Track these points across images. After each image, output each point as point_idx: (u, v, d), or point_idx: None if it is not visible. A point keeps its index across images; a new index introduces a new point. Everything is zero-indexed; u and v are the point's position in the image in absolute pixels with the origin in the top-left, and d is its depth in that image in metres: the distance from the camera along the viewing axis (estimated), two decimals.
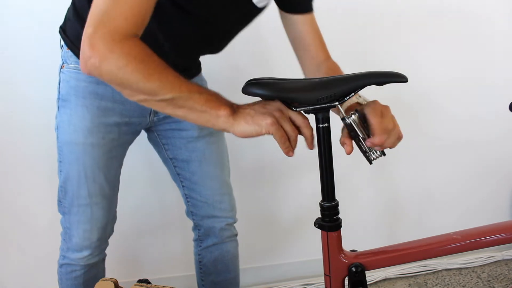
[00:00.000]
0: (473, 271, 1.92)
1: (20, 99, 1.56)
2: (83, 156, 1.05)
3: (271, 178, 1.79)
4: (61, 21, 1.09)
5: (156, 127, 1.18)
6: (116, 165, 1.12)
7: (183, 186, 1.25)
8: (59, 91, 1.07)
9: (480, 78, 1.90)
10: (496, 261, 1.97)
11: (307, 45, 1.09)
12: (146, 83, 0.74)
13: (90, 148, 1.05)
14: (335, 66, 1.08)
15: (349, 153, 0.82)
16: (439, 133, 1.91)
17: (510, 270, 1.91)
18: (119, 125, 1.08)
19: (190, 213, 1.29)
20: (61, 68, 1.07)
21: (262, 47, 1.66)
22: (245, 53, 1.63)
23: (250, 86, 0.79)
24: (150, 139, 1.25)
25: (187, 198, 1.26)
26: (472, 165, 1.97)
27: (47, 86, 1.55)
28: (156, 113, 1.14)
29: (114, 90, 0.92)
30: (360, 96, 0.90)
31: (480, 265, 1.95)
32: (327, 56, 1.10)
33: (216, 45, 1.10)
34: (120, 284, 1.01)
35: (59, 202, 1.12)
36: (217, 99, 0.79)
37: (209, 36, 1.04)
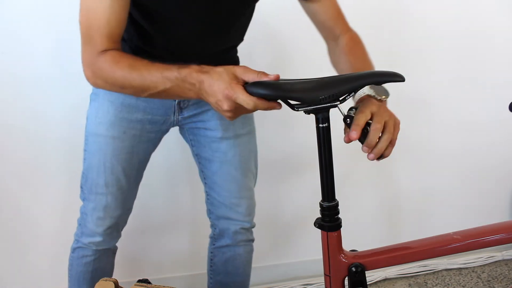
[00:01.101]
0: (473, 271, 1.92)
1: (24, 100, 1.57)
2: (105, 147, 1.12)
3: (271, 178, 1.79)
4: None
5: (184, 125, 1.20)
6: (136, 161, 1.16)
7: (205, 183, 1.27)
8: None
9: (480, 79, 1.90)
10: (496, 261, 1.97)
11: (322, 22, 1.10)
12: (126, 89, 0.91)
13: (111, 141, 1.11)
14: (352, 40, 1.08)
15: (353, 138, 0.81)
16: (439, 133, 1.91)
17: (510, 270, 1.91)
18: (143, 123, 1.13)
19: (208, 211, 1.30)
20: None
21: (261, 48, 1.66)
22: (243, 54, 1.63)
23: (252, 86, 0.79)
24: (181, 133, 1.28)
25: (207, 195, 1.27)
26: (472, 165, 1.97)
27: (51, 87, 1.56)
28: (180, 112, 1.16)
29: None
30: (372, 89, 0.89)
31: (480, 265, 1.95)
32: (344, 28, 1.10)
33: (223, 36, 1.10)
34: (120, 284, 1.01)
35: (81, 188, 1.18)
36: (183, 87, 0.86)
37: (206, 30, 1.05)
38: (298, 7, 1.11)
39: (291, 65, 1.71)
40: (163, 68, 0.87)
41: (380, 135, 0.82)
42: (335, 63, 1.10)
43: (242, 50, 1.22)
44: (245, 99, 0.78)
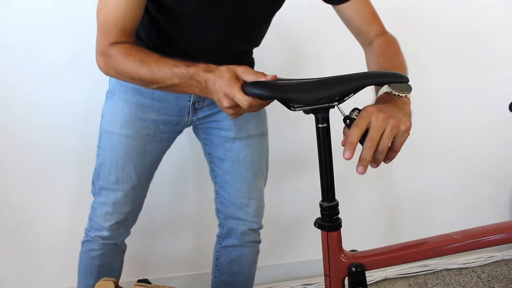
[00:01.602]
0: (473, 271, 1.92)
1: (32, 98, 1.57)
2: (118, 145, 1.14)
3: (271, 178, 1.78)
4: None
5: (198, 125, 1.21)
6: (148, 160, 1.17)
7: (215, 182, 1.27)
8: (109, 84, 1.18)
9: (480, 79, 1.90)
10: (496, 261, 1.97)
11: (357, 27, 1.08)
12: (136, 81, 0.95)
13: (124, 139, 1.13)
14: (386, 42, 1.04)
15: (347, 158, 0.76)
16: (439, 133, 1.91)
17: (510, 270, 1.91)
18: (156, 123, 1.14)
19: (217, 210, 1.31)
20: None
21: (260, 47, 1.66)
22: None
23: (249, 86, 0.80)
24: (194, 132, 1.30)
25: (217, 194, 1.28)
26: (472, 165, 1.97)
27: (60, 85, 1.56)
28: (195, 113, 1.17)
29: None
30: (390, 87, 0.84)
31: (480, 265, 1.95)
32: (379, 32, 1.07)
33: (242, 40, 1.12)
34: (121, 284, 1.01)
35: (92, 183, 1.21)
36: (191, 84, 0.88)
37: (227, 33, 1.06)
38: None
39: (305, 66, 1.71)
40: (172, 64, 0.90)
41: (373, 150, 0.76)
42: (368, 68, 1.07)
43: (258, 51, 1.22)
44: (240, 99, 0.80)
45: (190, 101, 1.14)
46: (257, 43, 1.18)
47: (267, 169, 1.29)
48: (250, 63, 1.23)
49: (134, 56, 0.92)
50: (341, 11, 1.08)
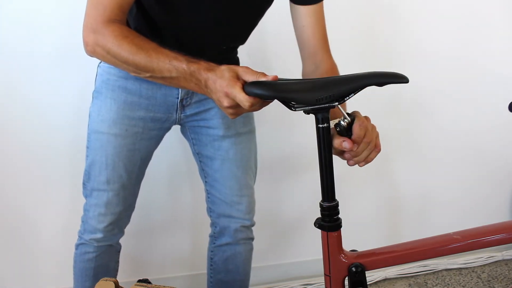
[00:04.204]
0: (473, 271, 1.92)
1: (26, 101, 1.57)
2: (106, 144, 1.12)
3: (271, 178, 1.79)
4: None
5: (186, 123, 1.21)
6: (137, 158, 1.16)
7: (206, 181, 1.27)
8: (95, 84, 1.16)
9: (480, 80, 1.90)
10: (496, 261, 1.97)
11: (307, 38, 1.10)
12: (127, 66, 0.90)
13: (113, 138, 1.12)
14: (333, 67, 1.09)
15: (350, 148, 0.85)
16: (440, 133, 1.91)
17: (510, 270, 1.91)
18: (145, 120, 1.13)
19: (208, 209, 1.31)
20: (99, 63, 1.16)
21: (261, 47, 1.66)
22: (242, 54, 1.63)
23: (249, 86, 0.80)
24: (182, 132, 1.29)
25: (208, 193, 1.28)
26: (472, 165, 1.97)
27: (53, 88, 1.56)
28: (183, 110, 1.16)
29: (141, 85, 1.09)
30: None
31: (480, 265, 1.95)
32: (328, 56, 1.11)
33: (232, 33, 1.12)
34: (120, 284, 1.01)
35: (83, 185, 1.20)
36: (189, 80, 0.87)
37: (218, 23, 1.06)
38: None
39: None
40: (172, 57, 0.87)
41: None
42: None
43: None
44: (242, 99, 0.80)
45: (178, 98, 1.13)
46: (244, 40, 1.18)
47: (256, 166, 1.30)
48: (236, 61, 1.23)
49: (132, 40, 0.88)
50: (300, 15, 1.10)
